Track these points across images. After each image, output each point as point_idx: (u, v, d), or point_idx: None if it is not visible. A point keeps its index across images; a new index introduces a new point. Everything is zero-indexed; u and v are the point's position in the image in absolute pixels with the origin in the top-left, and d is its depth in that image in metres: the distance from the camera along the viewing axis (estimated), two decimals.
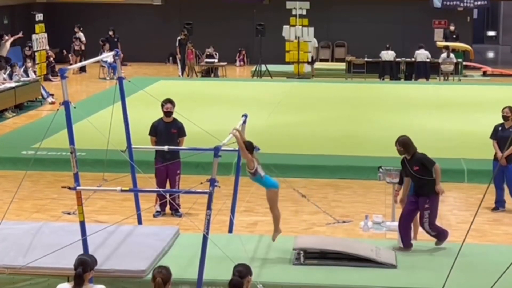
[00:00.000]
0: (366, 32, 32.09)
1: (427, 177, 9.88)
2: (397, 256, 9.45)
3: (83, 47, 30.61)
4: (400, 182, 11.01)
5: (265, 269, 9.18)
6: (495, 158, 12.30)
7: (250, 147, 9.30)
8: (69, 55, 30.68)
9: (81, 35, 30.71)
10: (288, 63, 28.54)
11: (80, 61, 29.50)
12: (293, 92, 24.53)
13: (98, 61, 25.65)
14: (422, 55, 27.59)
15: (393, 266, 9.18)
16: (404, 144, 10.10)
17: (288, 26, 28.13)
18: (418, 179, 9.92)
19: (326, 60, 32.40)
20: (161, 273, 6.64)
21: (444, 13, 32.18)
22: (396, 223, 11.42)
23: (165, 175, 12.11)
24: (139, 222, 10.93)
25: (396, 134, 17.30)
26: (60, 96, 12.94)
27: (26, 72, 23.25)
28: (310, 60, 28.32)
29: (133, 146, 10.45)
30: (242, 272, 6.75)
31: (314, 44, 28.35)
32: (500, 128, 12.45)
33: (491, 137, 12.56)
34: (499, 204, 12.49)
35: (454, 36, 30.78)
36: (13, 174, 14.46)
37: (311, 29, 28.00)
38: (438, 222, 10.13)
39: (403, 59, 28.23)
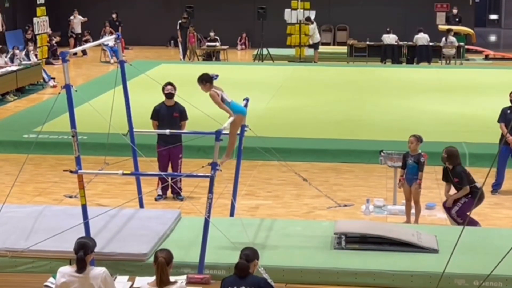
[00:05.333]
0: (368, 16, 32.02)
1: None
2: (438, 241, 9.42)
3: (79, 31, 30.60)
4: (403, 167, 11.03)
5: (304, 253, 9.18)
6: (503, 142, 12.26)
7: (208, 78, 9.40)
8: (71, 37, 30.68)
9: (79, 18, 30.65)
10: (289, 46, 28.48)
11: (75, 45, 29.48)
12: (295, 75, 24.50)
13: (99, 45, 25.62)
14: (422, 39, 27.52)
15: (435, 251, 9.17)
16: (449, 154, 10.67)
17: (289, 10, 28.08)
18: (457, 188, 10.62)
19: (328, 44, 32.35)
20: (163, 254, 6.68)
21: None
22: (397, 207, 11.48)
23: (167, 159, 12.13)
24: (141, 205, 10.94)
25: (398, 118, 17.51)
26: (61, 80, 12.92)
27: (27, 55, 23.22)
28: (311, 43, 28.27)
29: (134, 130, 10.45)
30: (249, 256, 6.76)
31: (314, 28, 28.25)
32: (508, 111, 12.44)
33: (499, 121, 12.54)
34: (498, 187, 12.55)
35: (457, 19, 30.70)
36: (14, 157, 14.48)
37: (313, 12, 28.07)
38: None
39: (405, 42, 28.16)
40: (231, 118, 9.27)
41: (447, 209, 10.64)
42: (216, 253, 8.89)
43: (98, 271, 6.79)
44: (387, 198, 11.99)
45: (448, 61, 27.67)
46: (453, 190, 10.68)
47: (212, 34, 29.51)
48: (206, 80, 9.44)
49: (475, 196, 10.19)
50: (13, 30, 29.84)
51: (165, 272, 6.61)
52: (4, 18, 28.77)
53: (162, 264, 6.60)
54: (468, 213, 10.02)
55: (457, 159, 10.67)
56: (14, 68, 21.50)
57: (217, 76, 9.54)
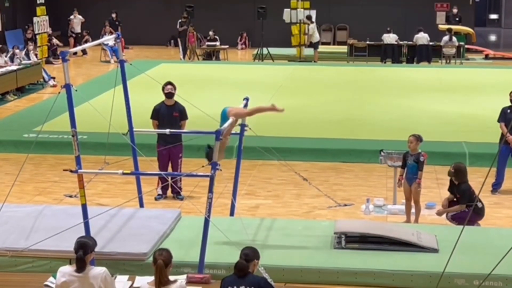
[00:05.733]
0: (368, 15, 32.04)
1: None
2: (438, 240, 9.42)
3: (78, 30, 30.61)
4: (403, 166, 11.04)
5: (304, 253, 9.19)
6: (503, 142, 12.28)
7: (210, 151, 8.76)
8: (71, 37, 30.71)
9: (79, 17, 30.67)
10: (295, 46, 28.40)
11: (75, 44, 29.48)
12: (295, 75, 24.49)
13: (99, 44, 25.61)
14: (422, 38, 27.52)
15: (435, 250, 9.17)
16: (457, 170, 10.65)
17: (288, 10, 28.07)
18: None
19: (328, 43, 32.36)
20: (162, 255, 6.66)
21: None
22: (397, 206, 11.48)
23: (167, 159, 12.13)
24: (141, 205, 10.94)
25: (398, 118, 17.52)
26: (61, 79, 12.93)
27: (27, 55, 23.21)
28: (309, 43, 28.30)
29: (134, 129, 10.45)
30: (248, 256, 6.75)
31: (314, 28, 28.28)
32: (508, 111, 12.45)
33: (499, 120, 12.55)
34: (498, 187, 12.56)
35: (457, 19, 30.71)
36: (14, 157, 14.48)
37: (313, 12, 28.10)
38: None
39: (405, 42, 28.16)
40: (231, 119, 9.24)
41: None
42: (216, 252, 8.89)
43: (98, 271, 6.79)
44: (387, 197, 11.99)
45: (448, 61, 27.67)
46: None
47: (212, 33, 29.52)
48: (209, 155, 8.79)
49: (475, 210, 10.24)
50: (13, 29, 29.84)
51: (163, 274, 6.60)
52: (4, 18, 28.76)
53: (160, 266, 6.59)
54: (463, 221, 9.98)
55: (464, 176, 10.63)
56: (14, 67, 21.49)
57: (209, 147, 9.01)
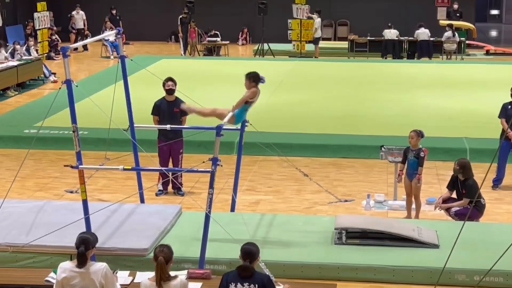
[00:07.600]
0: (369, 11, 32.01)
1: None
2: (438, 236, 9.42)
3: (81, 26, 30.59)
4: (403, 161, 11.03)
5: (305, 248, 9.19)
6: (504, 138, 12.27)
7: (256, 79, 9.75)
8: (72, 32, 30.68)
9: (82, 13, 30.66)
10: (310, 41, 28.28)
11: (77, 40, 29.46)
12: (296, 71, 24.47)
13: (100, 40, 25.61)
14: (423, 34, 27.51)
15: (435, 246, 9.18)
16: (463, 166, 10.63)
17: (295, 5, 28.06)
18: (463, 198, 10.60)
19: (329, 39, 32.33)
20: (163, 252, 6.67)
21: None
22: (398, 202, 11.48)
23: (168, 154, 12.13)
24: (142, 200, 10.95)
25: (399, 113, 17.52)
26: (62, 75, 12.93)
27: (28, 50, 23.20)
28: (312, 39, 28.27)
29: (135, 125, 10.46)
30: (252, 255, 6.68)
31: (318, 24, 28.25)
32: (509, 107, 12.45)
33: (499, 116, 12.54)
34: (498, 182, 12.56)
35: (458, 15, 30.69)
36: (15, 152, 14.48)
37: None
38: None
39: (406, 37, 28.13)
40: (230, 114, 9.25)
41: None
42: (217, 248, 8.90)
43: (98, 266, 6.80)
44: (388, 193, 12.00)
45: (449, 57, 27.65)
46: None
47: (212, 29, 29.50)
48: (253, 79, 9.52)
49: (478, 206, 10.32)
50: (14, 25, 29.82)
51: (164, 271, 6.61)
52: (4, 13, 28.75)
53: (161, 263, 6.60)
54: (465, 216, 10.01)
55: (470, 171, 10.63)
56: (14, 63, 21.49)
57: (264, 81, 9.63)
